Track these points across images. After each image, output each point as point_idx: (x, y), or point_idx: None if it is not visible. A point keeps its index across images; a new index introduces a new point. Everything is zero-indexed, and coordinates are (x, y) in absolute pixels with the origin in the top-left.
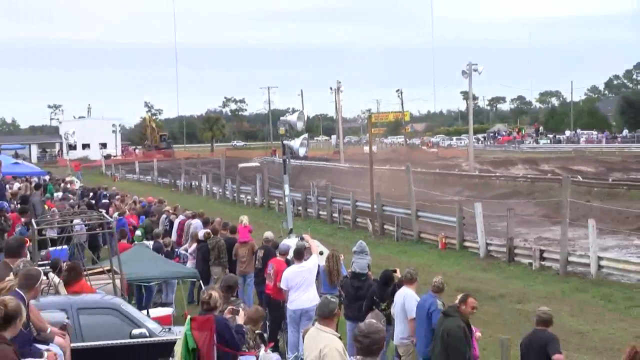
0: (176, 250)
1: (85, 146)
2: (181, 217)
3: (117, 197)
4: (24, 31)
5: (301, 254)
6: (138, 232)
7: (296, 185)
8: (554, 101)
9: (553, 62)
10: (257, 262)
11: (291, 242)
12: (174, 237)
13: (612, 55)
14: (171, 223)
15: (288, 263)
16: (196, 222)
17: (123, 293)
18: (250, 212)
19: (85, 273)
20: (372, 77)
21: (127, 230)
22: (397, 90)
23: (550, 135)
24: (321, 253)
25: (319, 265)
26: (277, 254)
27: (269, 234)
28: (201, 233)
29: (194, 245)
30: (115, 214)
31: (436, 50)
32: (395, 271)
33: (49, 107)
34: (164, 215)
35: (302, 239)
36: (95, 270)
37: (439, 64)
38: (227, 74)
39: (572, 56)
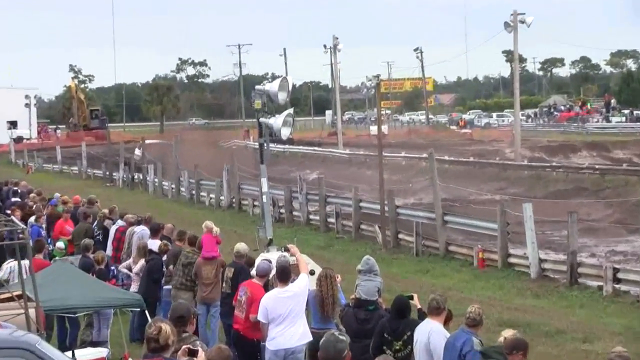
0: (112, 268)
1: None
2: (119, 223)
3: (32, 195)
4: None
5: (286, 273)
6: (59, 244)
7: (277, 180)
8: (631, 64)
9: (628, 10)
10: (224, 285)
11: (271, 257)
12: (109, 250)
13: None
14: (105, 231)
15: (266, 287)
16: (142, 230)
17: (39, 327)
18: (214, 216)
19: None
20: (380, 31)
21: (45, 241)
22: (416, 50)
23: (626, 111)
24: (312, 273)
25: (309, 290)
26: (253, 275)
27: (241, 247)
28: (154, 244)
29: (141, 262)
30: (31, 220)
31: None
32: (412, 297)
33: None
34: (95, 221)
35: (286, 251)
36: (0, 297)
37: (473, 14)
38: (182, 27)
39: None
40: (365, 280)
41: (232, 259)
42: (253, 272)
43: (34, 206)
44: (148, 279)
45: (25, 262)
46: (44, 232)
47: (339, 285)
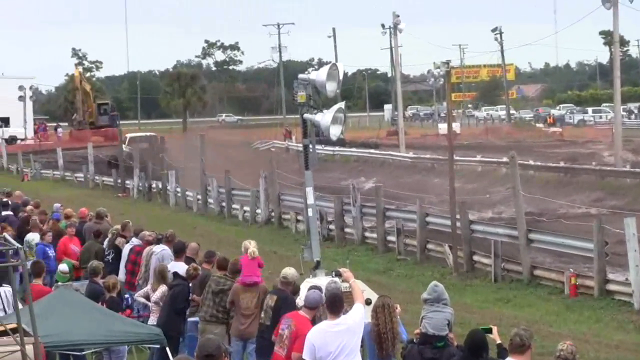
0: (127, 296)
1: None
2: (134, 241)
3: (29, 207)
4: None
5: (337, 303)
6: (63, 267)
7: (325, 189)
8: None
9: None
10: (262, 316)
11: (319, 283)
12: (122, 274)
13: None
14: (117, 252)
15: (314, 320)
16: (162, 251)
17: None
18: (249, 232)
19: None
20: (451, 6)
21: (45, 264)
22: (494, 30)
23: None
24: (368, 302)
25: (364, 323)
26: (299, 306)
27: (289, 272)
28: (177, 267)
29: (161, 288)
30: (33, 237)
31: None
32: (490, 331)
33: None
34: (106, 240)
35: (337, 276)
36: None
37: None
38: (210, 2)
39: None
40: (432, 311)
41: (278, 285)
42: (299, 301)
43: (31, 221)
44: (170, 309)
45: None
46: (51, 253)
47: (398, 317)
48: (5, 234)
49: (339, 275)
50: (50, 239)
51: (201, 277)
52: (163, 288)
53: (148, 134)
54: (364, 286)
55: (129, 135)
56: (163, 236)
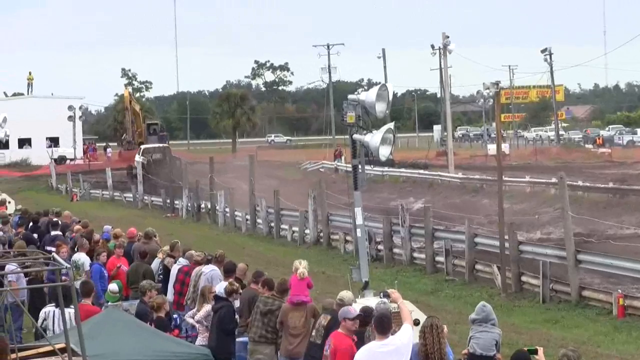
0: (175, 317)
1: (24, 142)
2: (182, 261)
3: (77, 227)
4: None
5: (385, 323)
6: (112, 287)
7: (374, 210)
8: None
9: None
10: (314, 334)
11: (368, 304)
12: (170, 294)
13: None
14: (166, 272)
15: (361, 339)
16: (211, 271)
17: None
18: (298, 253)
19: (17, 356)
20: (500, 28)
21: (94, 284)
22: (544, 51)
23: None
24: (416, 322)
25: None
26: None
27: (346, 295)
28: (219, 286)
29: (206, 307)
30: (79, 257)
31: None
32: (536, 352)
33: None
34: (156, 260)
35: (385, 296)
36: (40, 350)
37: (613, 8)
38: (260, 23)
39: None
40: (480, 331)
41: (334, 305)
42: None
43: (78, 241)
44: (219, 330)
45: (70, 309)
46: (106, 273)
47: (446, 338)
48: (54, 254)
49: (387, 296)
50: (105, 259)
51: (248, 297)
52: (207, 307)
53: (161, 145)
54: (412, 307)
55: (142, 147)
56: (213, 256)
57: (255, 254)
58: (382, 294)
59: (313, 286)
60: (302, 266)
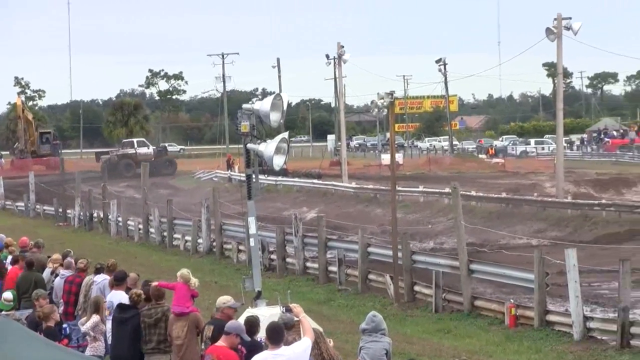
0: (65, 326)
1: None
2: (63, 272)
3: None
4: None
5: (277, 333)
6: (7, 295)
7: (268, 219)
8: None
9: None
10: (203, 347)
11: (260, 313)
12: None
13: None
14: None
15: (252, 349)
16: (103, 280)
17: None
18: (191, 263)
19: None
20: (395, 38)
21: None
22: (438, 61)
23: None
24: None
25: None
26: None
27: (225, 300)
28: (118, 296)
29: (93, 318)
30: None
31: None
32: None
33: None
34: (47, 270)
35: (288, 311)
36: None
37: (508, 19)
38: (154, 32)
39: None
40: (370, 341)
41: (214, 315)
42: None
43: None
44: (132, 339)
45: None
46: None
47: (331, 347)
48: None
49: (289, 310)
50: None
51: (161, 305)
52: (95, 318)
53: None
54: (315, 324)
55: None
56: (102, 266)
57: (149, 263)
58: (284, 308)
59: (198, 295)
60: (186, 275)
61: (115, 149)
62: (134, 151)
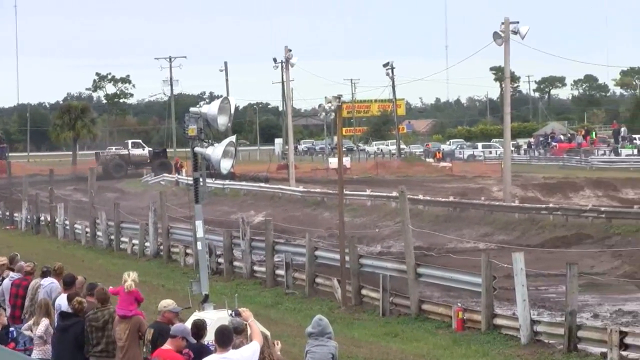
0: (12, 329)
1: None
2: (11, 275)
3: None
4: None
5: (225, 336)
6: None
7: (215, 223)
8: None
9: None
10: (144, 350)
11: (207, 317)
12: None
13: None
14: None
15: (199, 353)
16: (50, 284)
17: None
18: (138, 266)
19: None
20: (343, 42)
21: None
22: (386, 65)
23: (639, 141)
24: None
25: None
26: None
27: (167, 304)
28: (59, 299)
29: (43, 322)
30: None
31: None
32: None
33: None
34: None
35: (237, 316)
36: None
37: (456, 23)
38: (102, 36)
39: None
40: (316, 345)
41: (157, 318)
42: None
43: None
44: (75, 347)
45: None
46: None
47: (278, 352)
48: None
49: (238, 314)
50: None
51: (107, 310)
52: (46, 322)
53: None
54: (263, 329)
55: None
56: (48, 269)
57: (96, 266)
58: (233, 313)
59: (142, 299)
60: (130, 278)
61: (111, 149)
62: (127, 152)
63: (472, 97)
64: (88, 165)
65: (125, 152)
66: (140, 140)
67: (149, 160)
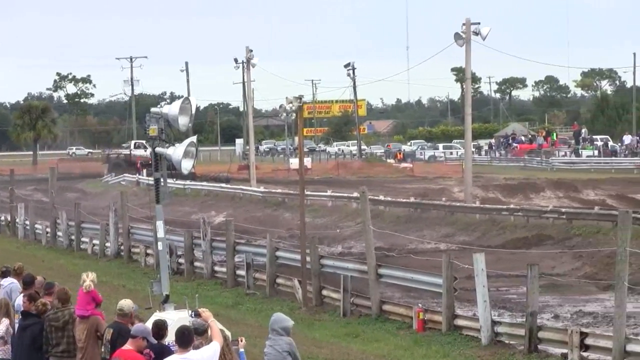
0: None
1: None
2: None
3: None
4: None
5: (188, 336)
6: None
7: (176, 223)
8: (606, 86)
9: (603, 23)
10: (103, 350)
11: (168, 317)
12: None
13: None
14: None
15: (160, 353)
16: (10, 284)
17: None
18: (98, 266)
19: None
20: (304, 42)
21: None
22: (347, 66)
23: (599, 142)
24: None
25: None
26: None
27: (125, 304)
28: (20, 300)
29: (4, 322)
30: None
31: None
32: None
33: None
34: None
35: (196, 316)
36: None
37: (417, 24)
38: (62, 35)
39: (635, 15)
40: (269, 346)
41: (114, 318)
42: (169, 343)
43: None
44: (32, 349)
45: None
46: None
47: (241, 349)
48: None
49: (197, 315)
50: None
51: (67, 310)
52: (6, 322)
53: None
54: (222, 326)
55: None
56: (7, 269)
57: (56, 267)
58: (193, 313)
59: (101, 300)
60: (89, 279)
61: (119, 149)
62: (128, 152)
63: (433, 97)
64: (48, 165)
65: (126, 152)
66: (143, 142)
67: (150, 161)
